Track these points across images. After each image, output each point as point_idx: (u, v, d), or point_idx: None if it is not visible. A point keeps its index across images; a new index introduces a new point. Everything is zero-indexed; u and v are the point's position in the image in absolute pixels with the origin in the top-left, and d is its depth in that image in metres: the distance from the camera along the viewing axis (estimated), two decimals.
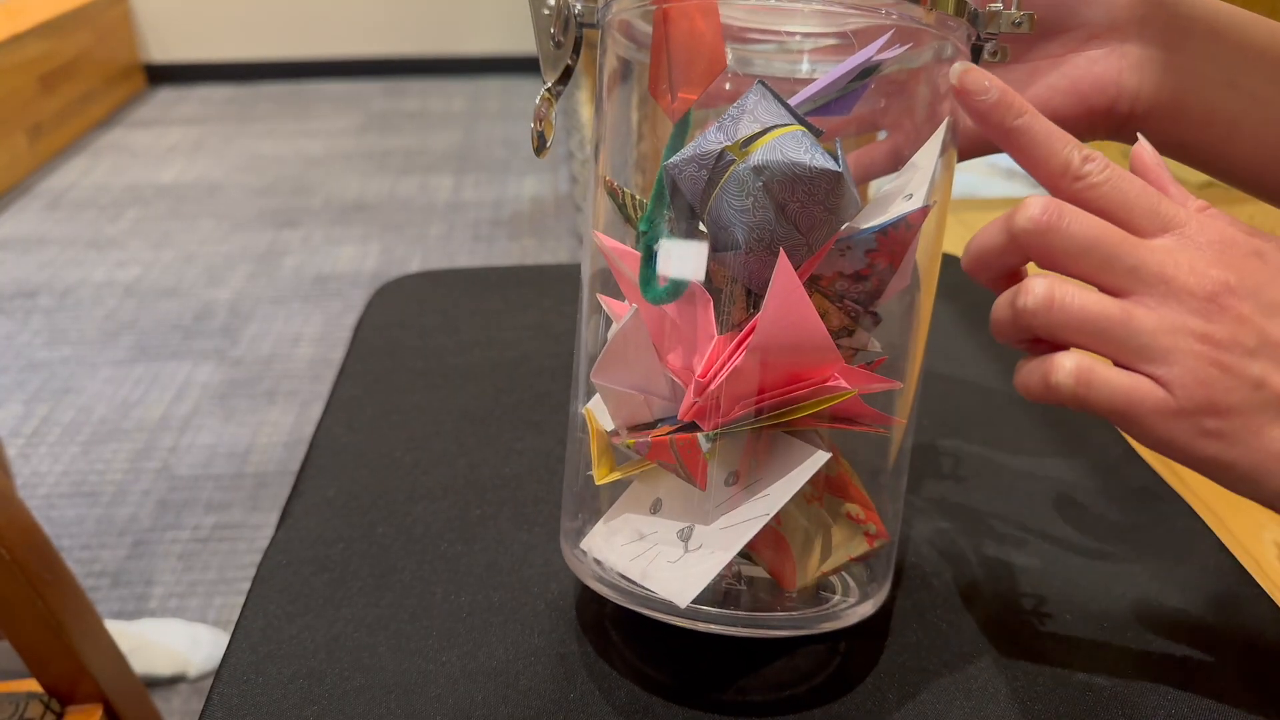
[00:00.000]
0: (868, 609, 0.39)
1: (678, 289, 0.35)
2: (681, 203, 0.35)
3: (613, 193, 0.39)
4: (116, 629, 1.11)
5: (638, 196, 0.38)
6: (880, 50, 0.35)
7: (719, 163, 0.33)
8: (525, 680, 0.40)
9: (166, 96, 3.37)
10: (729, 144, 0.33)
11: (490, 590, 0.44)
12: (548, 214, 2.40)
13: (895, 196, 0.36)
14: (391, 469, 0.53)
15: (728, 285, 0.35)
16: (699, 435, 0.34)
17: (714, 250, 0.35)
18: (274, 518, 1.24)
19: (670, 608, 0.36)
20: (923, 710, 0.38)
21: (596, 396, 0.39)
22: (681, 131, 0.35)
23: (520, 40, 3.55)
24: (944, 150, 0.37)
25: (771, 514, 0.35)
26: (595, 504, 0.41)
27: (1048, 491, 0.51)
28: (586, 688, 0.39)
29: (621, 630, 0.42)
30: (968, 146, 0.41)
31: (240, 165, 2.72)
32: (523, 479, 0.52)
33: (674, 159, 0.34)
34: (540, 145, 0.39)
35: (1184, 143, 0.39)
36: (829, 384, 0.34)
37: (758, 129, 0.33)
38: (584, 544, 0.39)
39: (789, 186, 0.33)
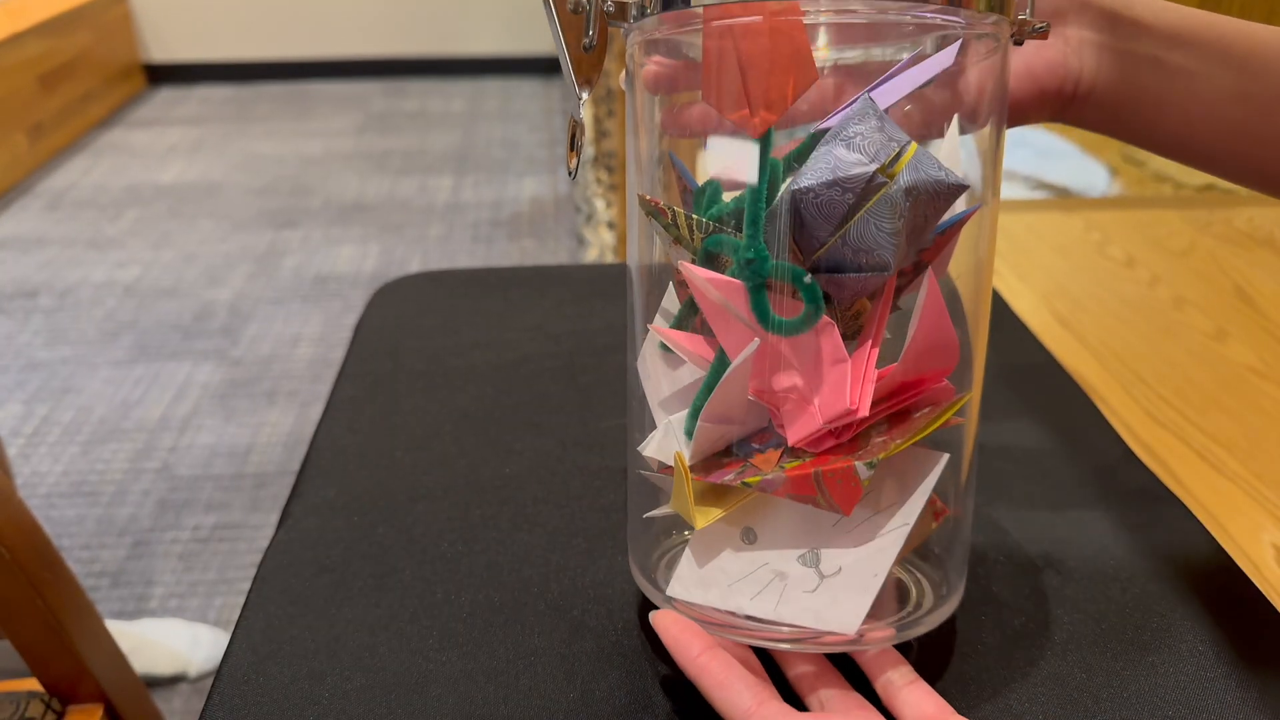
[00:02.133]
0: (954, 603, 0.39)
1: (814, 318, 0.33)
2: (804, 228, 0.33)
3: (658, 212, 0.36)
4: (117, 629, 1.11)
5: (693, 216, 0.35)
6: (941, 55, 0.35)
7: (869, 185, 0.32)
8: (526, 680, 0.40)
9: (166, 96, 3.37)
10: (878, 166, 0.32)
11: (490, 590, 0.44)
12: (547, 215, 2.40)
13: None
14: (392, 470, 0.53)
15: (837, 305, 0.35)
16: (857, 464, 0.33)
17: (841, 271, 0.33)
18: (274, 518, 1.24)
19: (775, 633, 0.36)
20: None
21: (663, 432, 0.38)
22: (765, 148, 0.33)
23: (520, 41, 3.55)
24: (994, 130, 0.37)
25: (911, 523, 0.35)
26: (666, 538, 0.41)
27: (1046, 493, 0.51)
28: (587, 688, 0.39)
29: (622, 630, 0.42)
30: (1012, 115, 0.42)
31: (240, 165, 2.72)
32: (523, 480, 0.52)
33: (808, 183, 0.32)
34: (579, 167, 0.37)
35: (1121, 120, 0.42)
36: (943, 386, 0.35)
37: (895, 149, 0.32)
38: (671, 591, 0.38)
39: (928, 204, 0.33)
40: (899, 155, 0.32)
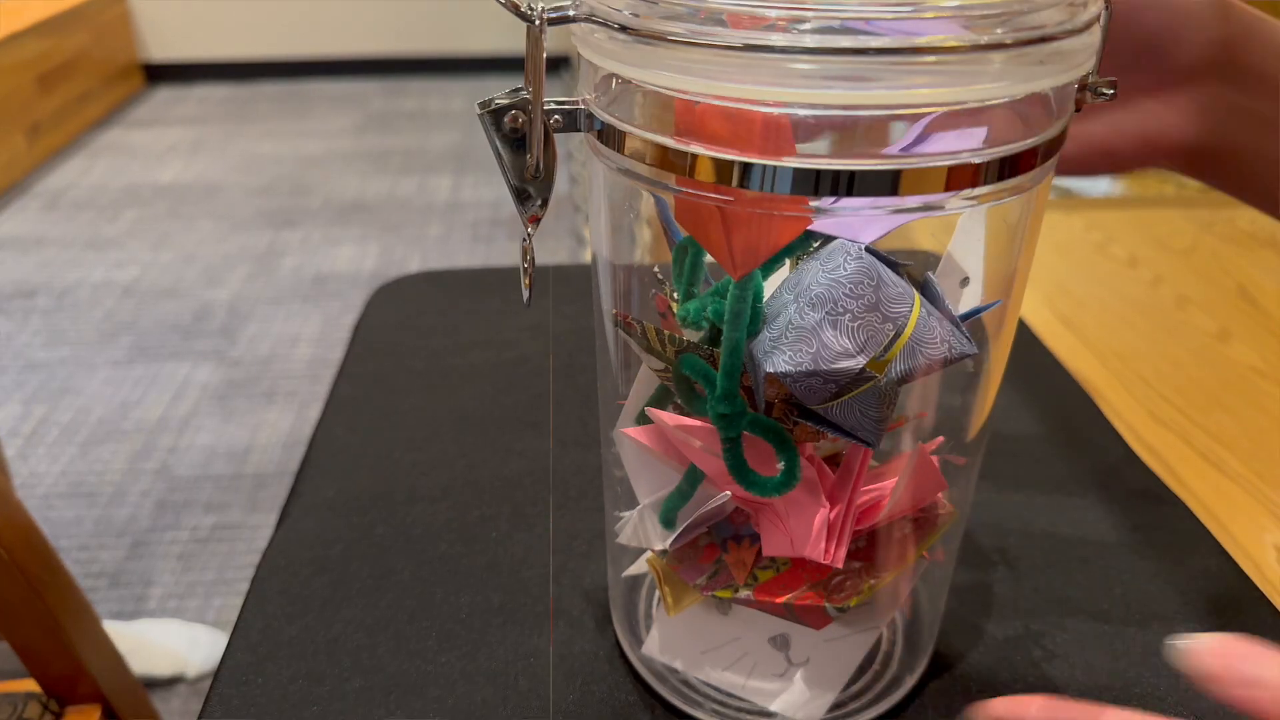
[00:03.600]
0: (919, 672, 0.39)
1: (791, 483, 0.31)
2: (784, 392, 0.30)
3: (627, 327, 0.33)
4: (115, 629, 1.11)
5: (663, 331, 0.32)
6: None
7: (857, 378, 0.29)
8: (525, 681, 0.39)
9: (165, 96, 3.37)
10: (867, 360, 0.28)
11: (489, 591, 0.44)
12: (547, 215, 2.39)
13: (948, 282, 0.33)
14: (390, 470, 0.53)
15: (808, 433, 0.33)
16: (827, 606, 0.32)
17: (826, 426, 0.31)
18: (273, 518, 1.24)
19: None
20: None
21: (635, 521, 0.36)
22: (745, 294, 0.30)
23: (520, 40, 3.54)
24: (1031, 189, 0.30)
25: (882, 628, 0.35)
26: (646, 583, 0.41)
27: (1048, 493, 0.51)
28: (587, 689, 0.39)
29: (622, 631, 0.42)
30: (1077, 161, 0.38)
31: (239, 165, 2.72)
32: (521, 480, 0.52)
33: (786, 368, 0.29)
34: (532, 294, 0.33)
35: (1229, 176, 0.38)
36: (928, 504, 0.34)
37: (891, 332, 0.28)
38: (646, 650, 0.38)
39: (924, 372, 0.30)
40: (894, 341, 0.29)
